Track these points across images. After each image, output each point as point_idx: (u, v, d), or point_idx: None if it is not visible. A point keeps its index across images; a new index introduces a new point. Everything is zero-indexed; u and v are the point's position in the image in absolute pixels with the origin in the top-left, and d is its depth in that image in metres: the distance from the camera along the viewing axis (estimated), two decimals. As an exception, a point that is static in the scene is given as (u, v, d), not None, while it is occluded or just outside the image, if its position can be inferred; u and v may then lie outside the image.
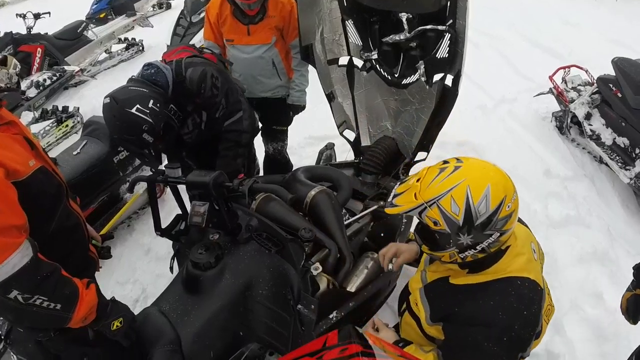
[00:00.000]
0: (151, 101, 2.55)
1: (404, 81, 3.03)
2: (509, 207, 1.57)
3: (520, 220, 1.90)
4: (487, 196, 1.53)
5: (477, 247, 1.62)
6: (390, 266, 2.18)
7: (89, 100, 6.53)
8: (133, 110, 2.49)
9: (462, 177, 1.56)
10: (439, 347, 1.87)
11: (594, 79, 4.70)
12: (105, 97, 2.55)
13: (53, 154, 4.11)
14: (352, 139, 3.46)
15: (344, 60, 3.11)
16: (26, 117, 5.92)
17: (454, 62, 2.82)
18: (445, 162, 1.66)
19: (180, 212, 2.61)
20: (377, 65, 3.07)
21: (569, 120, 4.79)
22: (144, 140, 2.58)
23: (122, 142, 2.70)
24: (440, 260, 1.79)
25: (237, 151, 3.04)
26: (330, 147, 3.77)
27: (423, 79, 2.94)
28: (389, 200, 1.73)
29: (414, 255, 2.18)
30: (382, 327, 2.08)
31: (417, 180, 1.65)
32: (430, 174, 1.63)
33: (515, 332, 1.62)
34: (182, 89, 2.77)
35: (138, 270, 3.74)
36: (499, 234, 1.60)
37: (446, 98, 2.87)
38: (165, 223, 2.57)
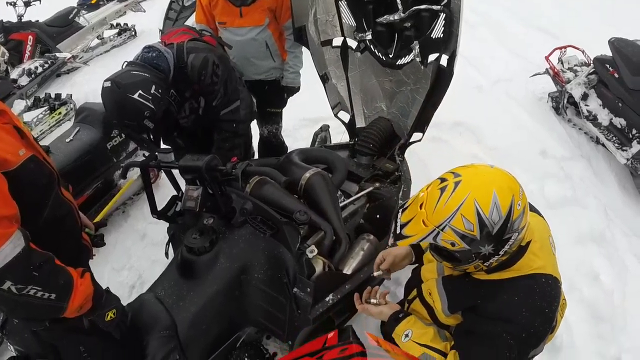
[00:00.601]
0: (153, 87, 2.51)
1: (399, 62, 3.00)
2: (519, 205, 1.54)
3: (536, 211, 1.89)
4: (496, 203, 1.49)
5: (500, 252, 1.59)
6: (379, 272, 2.15)
7: (81, 87, 6.47)
8: (135, 96, 2.45)
9: (465, 192, 1.52)
10: (454, 330, 1.87)
11: (590, 59, 4.69)
12: (106, 80, 2.50)
13: (46, 142, 4.08)
14: (346, 121, 3.44)
15: (337, 41, 3.09)
16: (18, 105, 5.85)
17: (449, 42, 2.79)
18: (442, 179, 1.61)
19: (175, 193, 2.60)
20: (372, 46, 3.04)
21: (565, 100, 4.78)
22: (144, 126, 2.55)
23: (122, 127, 2.67)
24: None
25: (234, 142, 3.01)
26: (325, 129, 3.74)
27: (418, 59, 2.92)
28: (395, 232, 1.68)
29: (409, 258, 2.17)
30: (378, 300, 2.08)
31: (420, 206, 1.60)
32: (431, 197, 1.58)
33: (534, 329, 1.62)
34: (182, 74, 2.72)
35: (134, 256, 3.72)
36: (517, 234, 1.57)
37: (441, 78, 2.84)
38: (160, 207, 2.55)
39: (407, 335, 1.90)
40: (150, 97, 2.49)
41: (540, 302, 1.62)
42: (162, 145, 3.20)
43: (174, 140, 3.18)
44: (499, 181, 1.54)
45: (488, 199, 1.49)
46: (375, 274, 2.15)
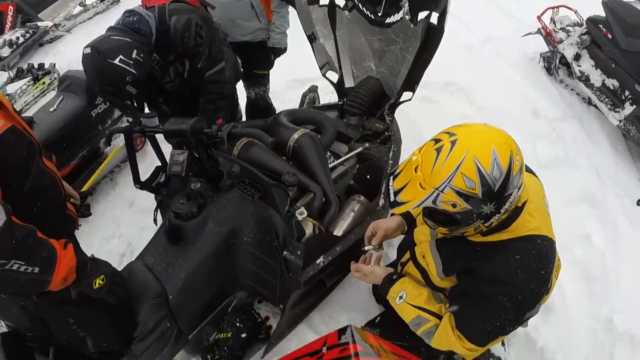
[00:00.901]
0: (135, 51, 2.46)
1: (388, 20, 2.95)
2: (517, 161, 1.50)
3: (531, 171, 1.87)
4: (496, 159, 1.45)
5: (502, 210, 1.55)
6: (370, 247, 2.12)
7: (64, 56, 6.36)
8: (116, 62, 2.40)
9: (463, 150, 1.46)
10: (449, 292, 1.86)
11: (583, 19, 4.61)
12: (86, 47, 2.44)
13: (31, 112, 4.01)
14: (335, 81, 3.40)
15: (324, -1, 3.01)
16: (1, 77, 5.78)
17: (439, 0, 2.71)
18: (436, 140, 1.54)
19: (160, 164, 2.55)
20: (360, 4, 2.99)
21: (557, 61, 4.72)
22: (126, 92, 2.50)
23: (104, 93, 2.62)
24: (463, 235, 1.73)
25: (219, 104, 2.95)
26: (313, 89, 3.70)
27: (407, 17, 2.87)
28: (390, 199, 1.61)
29: (401, 229, 2.13)
30: (371, 265, 2.07)
31: (415, 170, 1.54)
32: (427, 159, 1.52)
33: (530, 291, 1.61)
34: (165, 37, 2.67)
35: (123, 224, 3.70)
36: (517, 190, 1.54)
37: (431, 36, 2.79)
38: (147, 175, 2.52)
39: (401, 297, 1.90)
40: (132, 62, 2.44)
41: (536, 263, 1.61)
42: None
43: (159, 106, 3.13)
44: (496, 138, 1.50)
45: (488, 156, 1.45)
46: (367, 247, 2.11)
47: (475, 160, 1.44)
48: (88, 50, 2.41)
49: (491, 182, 1.46)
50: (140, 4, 2.90)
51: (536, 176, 1.88)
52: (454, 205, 1.51)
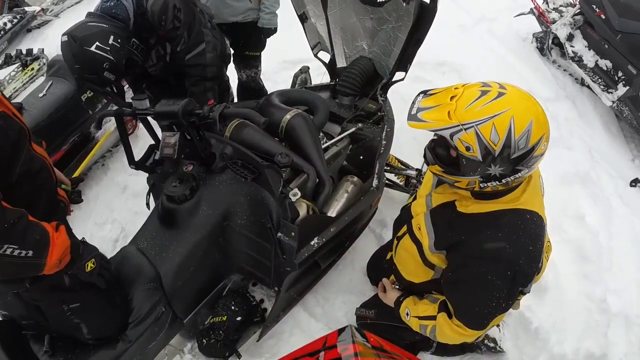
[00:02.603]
0: (111, 37, 2.44)
1: (380, -1, 2.89)
2: (544, 145, 1.50)
3: None
4: (529, 131, 1.44)
5: (503, 180, 1.55)
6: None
7: (53, 41, 6.22)
8: (92, 49, 2.38)
9: (507, 105, 1.45)
10: (441, 276, 1.88)
11: None
12: (63, 34, 2.43)
13: (20, 98, 3.97)
14: (327, 61, 3.37)
15: (316, -23, 2.96)
16: (-11, 64, 5.71)
17: (432, -22, 2.69)
18: (485, 84, 1.53)
19: (153, 142, 2.54)
20: (351, -18, 2.92)
21: (550, 41, 4.70)
22: (105, 78, 2.50)
23: (83, 81, 2.59)
24: (451, 185, 1.72)
25: (205, 85, 2.93)
26: (305, 70, 3.66)
27: (400, -5, 2.81)
28: (411, 112, 1.59)
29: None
30: (389, 287, 2.19)
31: (452, 98, 1.52)
32: (469, 94, 1.51)
33: (519, 267, 1.60)
34: (144, 21, 2.63)
35: (115, 210, 3.69)
36: (527, 170, 1.53)
37: (424, 15, 2.76)
38: (137, 157, 2.49)
39: (407, 314, 2.01)
40: (109, 48, 2.43)
41: (524, 239, 1.60)
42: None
43: (143, 91, 3.10)
44: (539, 114, 1.49)
45: (524, 123, 1.44)
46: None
47: (512, 120, 1.44)
48: (65, 38, 2.41)
49: (513, 147, 1.46)
50: None
51: None
52: (467, 149, 1.50)
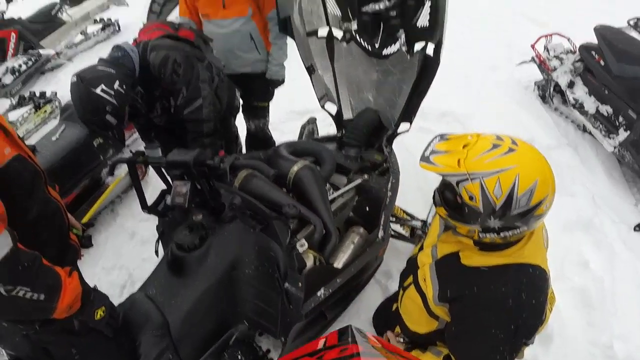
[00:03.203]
0: (117, 82, 2.53)
1: (385, 51, 2.99)
2: (546, 207, 1.54)
3: None
4: (532, 191, 1.49)
5: (501, 234, 1.59)
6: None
7: (66, 84, 6.28)
8: (97, 91, 2.47)
9: (514, 162, 1.51)
10: (444, 329, 1.88)
11: (576, 47, 4.69)
12: (73, 75, 2.52)
13: (32, 140, 4.04)
14: (333, 112, 3.40)
15: (323, 31, 3.05)
16: (3, 104, 5.83)
17: (435, 31, 2.77)
18: (499, 138, 1.59)
19: (165, 187, 2.57)
20: (357, 36, 3.02)
21: (551, 88, 4.78)
22: (107, 121, 2.56)
23: (86, 122, 2.67)
24: (454, 230, 1.76)
25: (203, 142, 2.97)
26: (312, 121, 3.73)
27: (404, 48, 2.91)
28: (424, 154, 1.66)
29: None
30: (393, 340, 2.18)
31: (464, 146, 1.58)
32: (481, 145, 1.57)
33: (523, 320, 1.62)
34: (148, 72, 2.74)
35: (124, 256, 3.71)
36: (526, 228, 1.57)
37: (428, 68, 2.83)
38: (149, 203, 2.53)
39: None
40: (113, 93, 2.50)
41: (527, 292, 1.62)
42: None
43: (151, 139, 3.17)
44: (545, 175, 1.53)
45: (528, 182, 1.49)
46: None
47: (517, 177, 1.48)
48: (74, 78, 2.50)
49: (514, 204, 1.50)
50: (137, 35, 2.99)
51: None
52: (471, 198, 1.55)
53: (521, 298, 1.61)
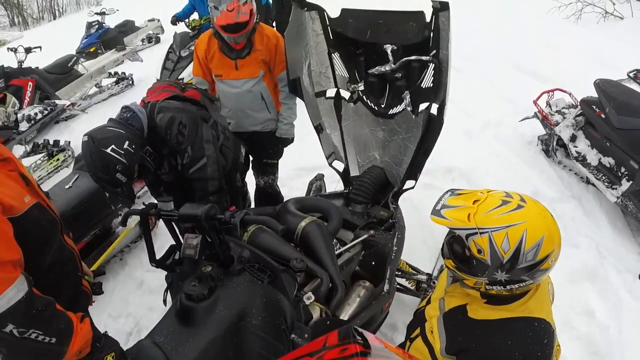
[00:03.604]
0: (127, 142, 2.61)
1: (391, 111, 3.07)
2: (552, 261, 1.61)
3: None
4: (539, 246, 1.55)
5: (507, 287, 1.65)
6: None
7: (79, 134, 6.37)
8: (108, 150, 2.55)
9: (523, 218, 1.58)
10: None
11: (577, 101, 4.76)
12: (84, 135, 2.61)
13: (44, 187, 4.08)
14: (341, 170, 3.49)
15: (331, 92, 3.16)
16: (17, 150, 5.93)
17: (438, 91, 2.87)
18: (508, 195, 1.67)
19: (174, 242, 2.63)
20: (364, 97, 3.11)
21: (554, 143, 4.84)
22: (117, 179, 2.63)
23: (97, 180, 2.74)
24: (461, 283, 1.81)
25: (209, 200, 3.02)
26: (319, 178, 3.80)
27: (409, 108, 2.99)
28: (436, 207, 1.73)
29: None
30: None
31: (474, 202, 1.66)
32: (490, 201, 1.64)
33: None
34: (155, 132, 2.83)
35: (131, 304, 3.73)
36: (532, 281, 1.63)
37: (432, 126, 2.91)
38: (157, 255, 2.58)
39: None
40: (123, 152, 2.58)
41: (532, 345, 1.65)
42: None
43: (160, 194, 3.24)
44: (552, 232, 1.60)
45: (536, 237, 1.55)
46: None
47: (525, 233, 1.55)
48: (86, 138, 2.59)
49: (521, 258, 1.56)
50: (145, 95, 3.09)
51: None
52: (479, 251, 1.61)
53: (527, 350, 1.64)
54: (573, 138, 4.57)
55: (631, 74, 4.68)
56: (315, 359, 1.39)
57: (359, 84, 3.11)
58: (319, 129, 3.39)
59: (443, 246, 1.87)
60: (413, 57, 2.93)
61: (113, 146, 2.56)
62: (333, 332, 1.49)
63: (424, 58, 2.90)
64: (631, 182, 3.93)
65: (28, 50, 7.35)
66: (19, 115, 6.06)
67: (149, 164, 2.85)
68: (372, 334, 1.61)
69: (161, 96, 2.97)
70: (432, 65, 2.88)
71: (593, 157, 4.35)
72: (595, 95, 4.39)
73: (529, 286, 1.67)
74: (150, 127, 2.81)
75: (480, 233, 1.60)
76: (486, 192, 1.71)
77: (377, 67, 3.04)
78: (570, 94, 4.95)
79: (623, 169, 4.04)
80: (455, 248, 1.78)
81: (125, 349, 2.25)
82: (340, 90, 3.17)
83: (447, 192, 1.80)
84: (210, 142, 3.00)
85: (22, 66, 7.24)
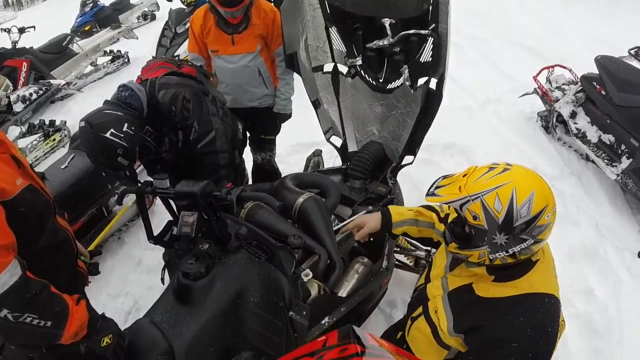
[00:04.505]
0: (126, 124, 2.55)
1: (389, 86, 3.04)
2: (548, 217, 1.60)
3: None
4: (530, 201, 1.57)
5: (509, 251, 1.65)
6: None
7: (75, 114, 6.50)
8: (107, 135, 2.49)
9: (509, 178, 1.61)
10: (454, 358, 1.91)
11: (577, 77, 4.75)
12: (81, 120, 2.55)
13: (41, 168, 4.09)
14: (339, 145, 3.46)
15: (328, 67, 3.12)
16: (13, 132, 5.92)
17: (437, 66, 2.85)
18: (494, 164, 1.71)
19: (171, 218, 2.61)
20: (362, 71, 3.07)
21: (554, 119, 4.84)
22: (119, 163, 2.59)
23: (98, 165, 2.70)
24: (466, 262, 1.82)
25: (220, 174, 3.00)
26: (317, 154, 3.78)
27: (407, 83, 2.96)
28: (430, 190, 1.77)
29: (377, 224, 2.30)
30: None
31: (464, 176, 1.70)
32: (478, 171, 1.69)
33: (540, 348, 1.65)
34: (156, 110, 2.77)
35: (129, 283, 3.73)
36: (533, 241, 1.63)
37: (431, 101, 2.89)
38: (155, 233, 2.56)
39: None
40: (123, 135, 2.53)
41: (544, 321, 1.66)
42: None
43: (157, 172, 3.20)
44: (542, 188, 1.62)
45: (525, 193, 1.57)
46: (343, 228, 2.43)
47: (514, 190, 1.57)
48: (83, 123, 2.52)
49: (515, 215, 1.57)
50: (140, 73, 3.02)
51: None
52: (474, 218, 1.64)
53: (538, 327, 1.65)
54: (573, 115, 4.56)
55: (632, 51, 4.64)
56: (315, 359, 1.39)
57: (357, 59, 3.07)
58: (316, 104, 3.36)
59: (444, 233, 1.90)
60: (412, 31, 2.90)
61: (112, 130, 2.49)
62: (333, 332, 1.49)
63: (422, 32, 2.86)
64: (631, 159, 3.94)
65: (22, 31, 7.28)
66: (14, 97, 6.02)
67: (149, 144, 2.80)
68: (367, 333, 1.61)
69: (158, 73, 2.91)
70: (431, 40, 2.84)
71: (593, 134, 4.35)
72: (596, 71, 4.37)
73: (533, 251, 1.67)
74: (151, 105, 2.76)
75: (472, 200, 1.63)
76: (474, 167, 1.74)
77: (375, 42, 3.00)
78: (570, 70, 4.93)
79: (623, 147, 4.04)
80: (456, 230, 1.81)
81: (124, 328, 2.25)
82: (338, 65, 3.12)
83: (439, 177, 1.84)
84: (216, 115, 2.98)
85: (16, 47, 7.17)
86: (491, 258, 1.69)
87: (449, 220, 1.91)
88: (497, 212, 1.59)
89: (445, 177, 1.81)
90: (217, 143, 2.95)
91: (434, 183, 1.80)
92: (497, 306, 1.73)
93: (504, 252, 1.66)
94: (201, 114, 2.88)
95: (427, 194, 1.77)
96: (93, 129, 2.49)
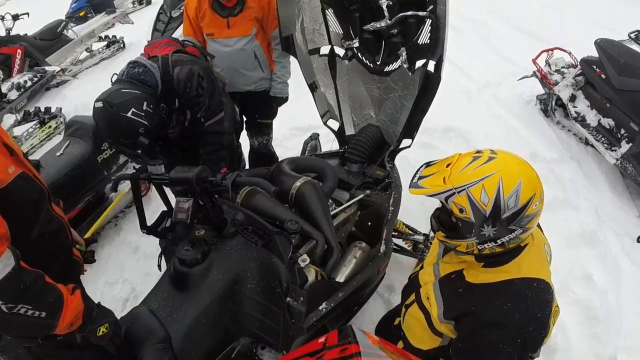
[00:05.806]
0: (145, 103, 2.52)
1: (386, 69, 3.00)
2: (536, 205, 1.58)
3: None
4: (518, 191, 1.54)
5: (498, 241, 1.63)
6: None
7: (71, 101, 6.49)
8: (129, 115, 2.45)
9: (496, 168, 1.57)
10: (451, 345, 1.89)
11: (577, 61, 4.71)
12: (97, 101, 2.49)
13: (37, 155, 4.06)
14: (336, 129, 3.44)
15: (325, 49, 3.09)
16: (8, 119, 5.88)
17: (435, 48, 2.80)
18: (478, 151, 1.66)
19: (165, 208, 2.59)
20: (359, 54, 3.04)
21: (553, 103, 4.81)
22: (139, 142, 2.56)
23: (117, 145, 2.67)
24: (455, 250, 1.81)
25: (220, 154, 2.99)
26: (314, 137, 3.75)
27: (405, 65, 2.92)
28: (413, 180, 1.73)
29: None
30: None
31: (447, 166, 1.66)
32: (462, 160, 1.64)
33: (529, 334, 1.64)
34: (168, 87, 2.72)
35: (127, 270, 3.72)
36: (521, 231, 1.61)
37: (429, 84, 2.85)
38: (152, 221, 2.54)
39: None
40: (143, 114, 2.49)
41: (533, 306, 1.64)
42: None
43: (156, 156, 3.17)
44: (529, 176, 1.59)
45: (512, 184, 1.54)
46: None
47: (501, 181, 1.54)
48: (100, 104, 2.46)
49: (503, 207, 1.55)
50: (143, 52, 2.96)
51: (539, 225, 1.92)
52: (461, 211, 1.61)
53: (527, 312, 1.63)
54: (572, 98, 4.53)
55: (632, 35, 4.60)
56: (315, 359, 1.38)
57: (354, 41, 3.03)
58: (313, 87, 3.33)
59: (431, 221, 1.86)
60: (409, 13, 2.84)
61: (133, 109, 2.46)
62: (333, 332, 1.49)
63: (420, 14, 2.81)
64: (631, 144, 3.92)
65: (15, 17, 7.24)
66: (8, 84, 5.99)
67: (164, 121, 2.77)
68: (366, 332, 1.60)
69: (167, 50, 2.87)
70: (429, 21, 2.79)
71: (592, 117, 4.32)
72: (596, 55, 4.34)
73: (522, 239, 1.65)
74: (165, 82, 2.71)
75: (458, 192, 1.59)
76: (458, 154, 1.70)
77: (372, 23, 2.94)
78: (569, 53, 4.89)
79: (623, 131, 4.01)
80: (443, 218, 1.78)
81: (121, 316, 2.24)
82: (335, 48, 3.10)
83: (421, 165, 1.80)
84: (225, 96, 2.97)
85: (10, 34, 7.13)
86: (479, 249, 1.68)
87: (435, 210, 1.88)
88: (483, 204, 1.56)
89: (428, 164, 1.77)
90: (225, 124, 2.95)
91: (416, 172, 1.75)
92: (485, 292, 1.72)
93: (492, 243, 1.64)
94: (214, 92, 2.87)
95: (410, 185, 1.73)
96: (114, 109, 2.44)
